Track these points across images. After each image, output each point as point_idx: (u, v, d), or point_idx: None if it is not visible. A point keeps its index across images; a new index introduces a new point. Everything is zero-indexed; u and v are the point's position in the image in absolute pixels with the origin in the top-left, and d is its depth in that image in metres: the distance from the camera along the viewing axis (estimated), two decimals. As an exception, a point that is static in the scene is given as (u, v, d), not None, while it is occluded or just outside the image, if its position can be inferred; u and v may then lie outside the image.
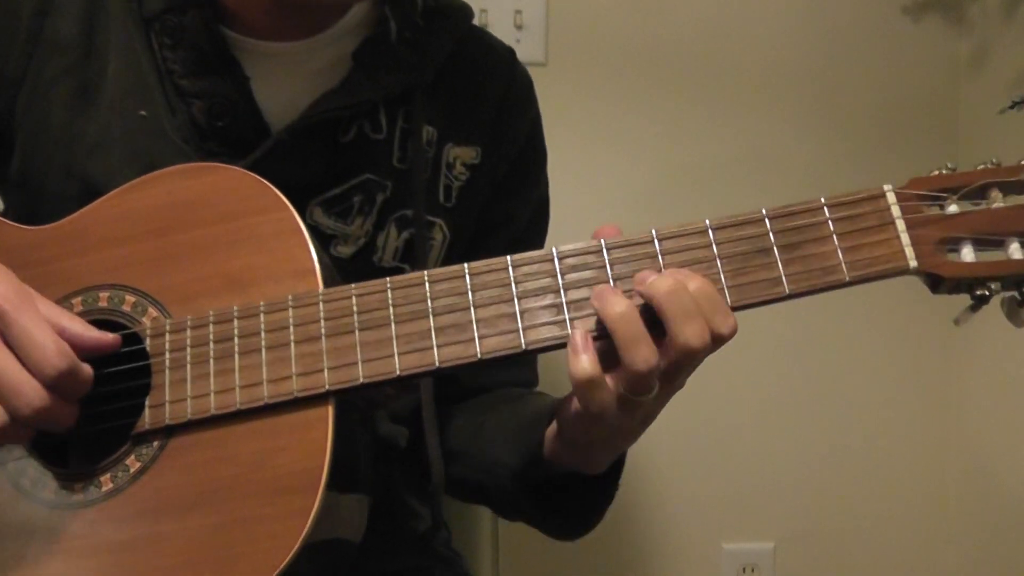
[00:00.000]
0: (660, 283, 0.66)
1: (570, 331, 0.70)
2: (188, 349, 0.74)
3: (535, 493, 0.81)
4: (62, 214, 0.80)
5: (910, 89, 1.57)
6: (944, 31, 1.57)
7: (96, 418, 0.74)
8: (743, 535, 1.58)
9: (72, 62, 0.87)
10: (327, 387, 0.71)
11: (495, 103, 0.97)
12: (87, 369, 0.70)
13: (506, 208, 0.98)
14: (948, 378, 1.57)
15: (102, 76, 0.87)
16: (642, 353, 0.65)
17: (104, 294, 0.77)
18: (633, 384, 0.66)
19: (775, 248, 0.71)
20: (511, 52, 1.02)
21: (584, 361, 0.66)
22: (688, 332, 0.65)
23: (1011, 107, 1.29)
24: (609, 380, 0.67)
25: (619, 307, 0.66)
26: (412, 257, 0.91)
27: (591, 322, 0.70)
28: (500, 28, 1.46)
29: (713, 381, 1.51)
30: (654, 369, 0.65)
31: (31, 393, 0.67)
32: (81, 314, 0.77)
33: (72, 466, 0.75)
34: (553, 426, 0.77)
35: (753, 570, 1.57)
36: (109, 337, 0.72)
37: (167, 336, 0.75)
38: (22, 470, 0.75)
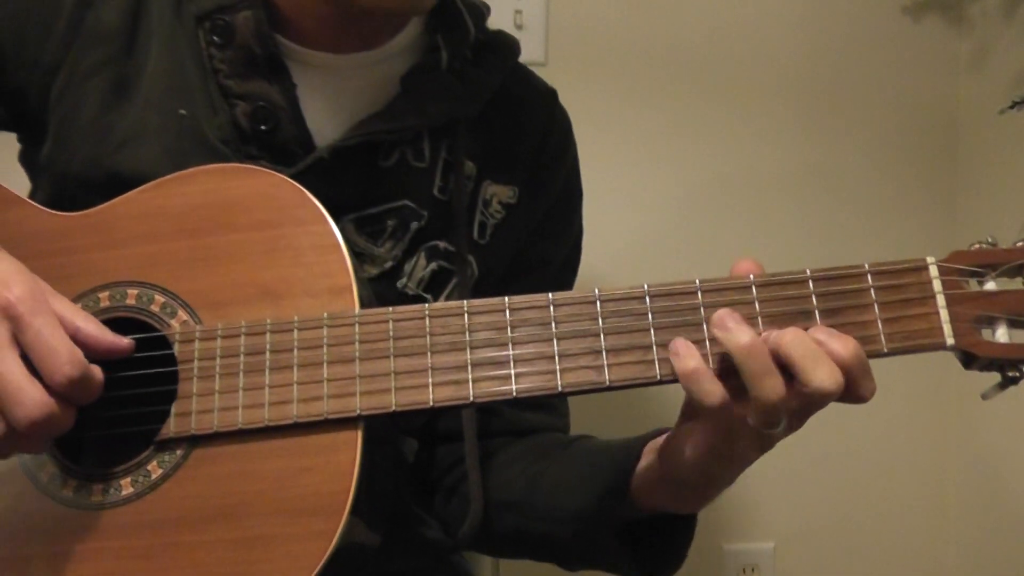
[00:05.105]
0: (785, 333, 0.64)
1: (680, 359, 0.65)
2: (218, 359, 0.71)
3: (620, 535, 0.78)
4: (86, 203, 0.76)
5: (910, 89, 1.53)
6: (944, 31, 1.54)
7: (118, 420, 0.71)
8: (743, 535, 1.55)
9: (111, 54, 0.82)
10: (358, 412, 0.68)
11: (534, 145, 0.93)
12: (98, 375, 0.66)
13: (541, 251, 0.94)
14: (948, 377, 1.55)
15: (140, 71, 0.83)
16: (770, 384, 0.62)
17: (132, 291, 0.74)
18: (763, 417, 0.63)
19: (816, 312, 0.69)
20: (552, 93, 0.98)
21: (715, 390, 0.63)
22: (820, 375, 0.62)
23: (1011, 107, 1.28)
24: (739, 411, 0.64)
25: (745, 337, 0.63)
26: (436, 288, 0.87)
27: (631, 370, 0.68)
28: (500, 28, 1.41)
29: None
30: (784, 400, 0.62)
31: (30, 404, 0.62)
32: (108, 309, 0.74)
33: (85, 464, 0.72)
34: (645, 467, 0.75)
35: (753, 570, 1.55)
36: (124, 342, 0.69)
37: (196, 343, 0.71)
38: (41, 464, 0.72)
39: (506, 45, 0.93)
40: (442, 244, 0.87)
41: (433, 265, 0.87)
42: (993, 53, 1.50)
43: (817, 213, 1.52)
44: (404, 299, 0.85)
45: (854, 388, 0.65)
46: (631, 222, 1.50)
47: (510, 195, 0.91)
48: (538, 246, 0.94)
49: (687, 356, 0.65)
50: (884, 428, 1.57)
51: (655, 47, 1.49)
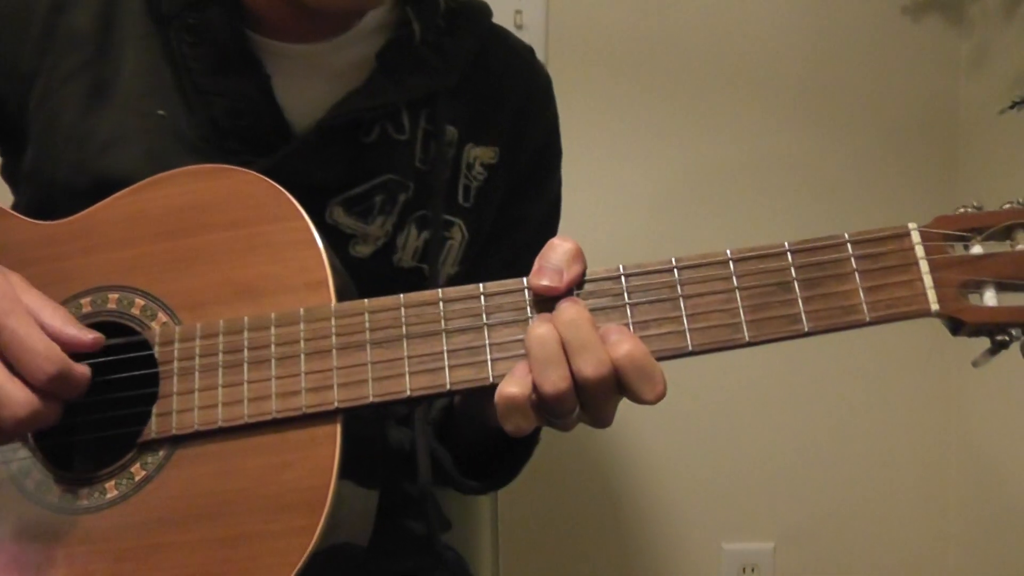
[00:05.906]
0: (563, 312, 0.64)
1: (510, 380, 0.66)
2: (197, 358, 0.71)
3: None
4: (73, 209, 0.77)
5: (910, 89, 1.53)
6: (944, 31, 1.54)
7: (104, 423, 0.71)
8: (743, 535, 1.55)
9: (87, 58, 0.83)
10: (336, 405, 0.68)
11: (515, 104, 0.93)
12: (80, 369, 0.67)
13: (520, 210, 0.94)
14: (948, 377, 1.54)
15: (117, 73, 0.83)
16: (550, 376, 0.62)
17: (113, 295, 0.74)
18: (545, 406, 0.64)
19: (796, 283, 0.67)
20: (530, 51, 0.98)
21: (510, 384, 0.64)
22: (583, 362, 0.62)
23: (1011, 107, 1.29)
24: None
25: (539, 328, 0.64)
26: (431, 257, 0.87)
27: None
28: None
29: (713, 380, 1.49)
30: (564, 393, 0.62)
31: (14, 404, 0.64)
32: (89, 315, 0.74)
33: (77, 469, 0.72)
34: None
35: (753, 570, 1.54)
36: (88, 337, 0.68)
37: (176, 344, 0.71)
38: (27, 471, 0.72)
39: (477, 9, 0.93)
40: (430, 213, 0.87)
41: (425, 234, 0.87)
42: (993, 53, 1.49)
43: (818, 213, 1.51)
44: (400, 274, 0.86)
45: (628, 387, 0.63)
46: (633, 220, 1.49)
47: (491, 156, 0.91)
48: (517, 205, 0.94)
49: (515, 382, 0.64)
50: (884, 428, 1.55)
51: (655, 47, 1.49)
